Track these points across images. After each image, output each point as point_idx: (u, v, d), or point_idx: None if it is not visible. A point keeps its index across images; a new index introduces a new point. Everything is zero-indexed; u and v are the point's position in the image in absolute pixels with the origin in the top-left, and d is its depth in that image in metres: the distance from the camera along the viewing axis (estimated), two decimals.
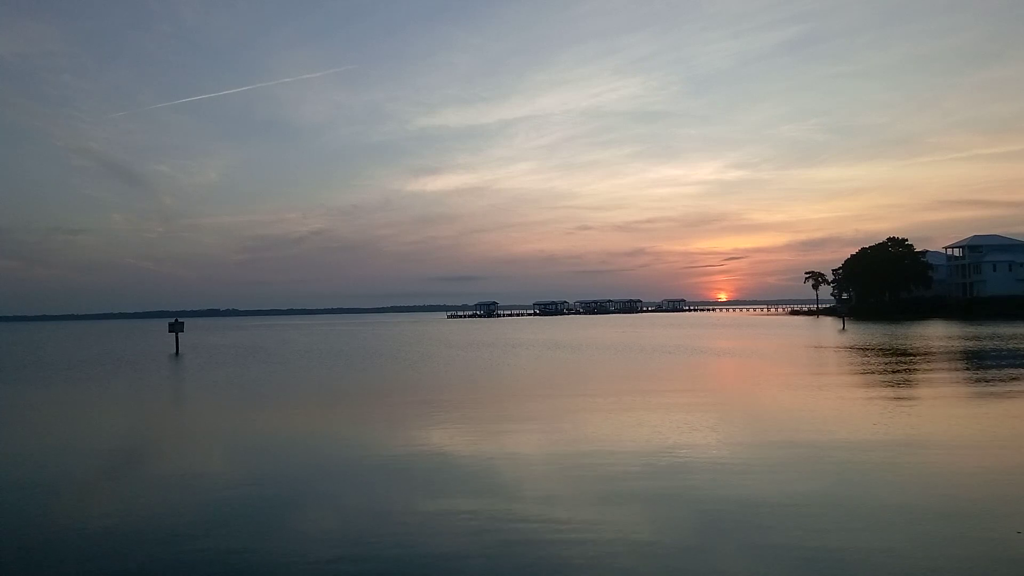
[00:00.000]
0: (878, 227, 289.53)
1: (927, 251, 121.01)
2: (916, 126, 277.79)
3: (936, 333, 56.60)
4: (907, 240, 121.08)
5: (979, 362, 31.60)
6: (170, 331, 53.11)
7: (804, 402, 19.88)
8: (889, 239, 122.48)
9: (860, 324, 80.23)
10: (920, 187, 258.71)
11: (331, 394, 25.21)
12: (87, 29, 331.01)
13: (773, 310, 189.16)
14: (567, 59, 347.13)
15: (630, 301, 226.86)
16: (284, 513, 9.98)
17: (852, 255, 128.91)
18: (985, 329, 59.78)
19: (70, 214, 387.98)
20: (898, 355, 36.06)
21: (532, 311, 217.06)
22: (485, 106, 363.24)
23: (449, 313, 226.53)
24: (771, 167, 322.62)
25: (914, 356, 35.37)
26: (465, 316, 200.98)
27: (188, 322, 68.57)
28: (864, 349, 41.11)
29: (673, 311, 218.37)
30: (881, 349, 40.61)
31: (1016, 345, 40.58)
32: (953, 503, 9.71)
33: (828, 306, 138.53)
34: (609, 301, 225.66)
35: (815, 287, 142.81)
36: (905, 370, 28.77)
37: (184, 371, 37.07)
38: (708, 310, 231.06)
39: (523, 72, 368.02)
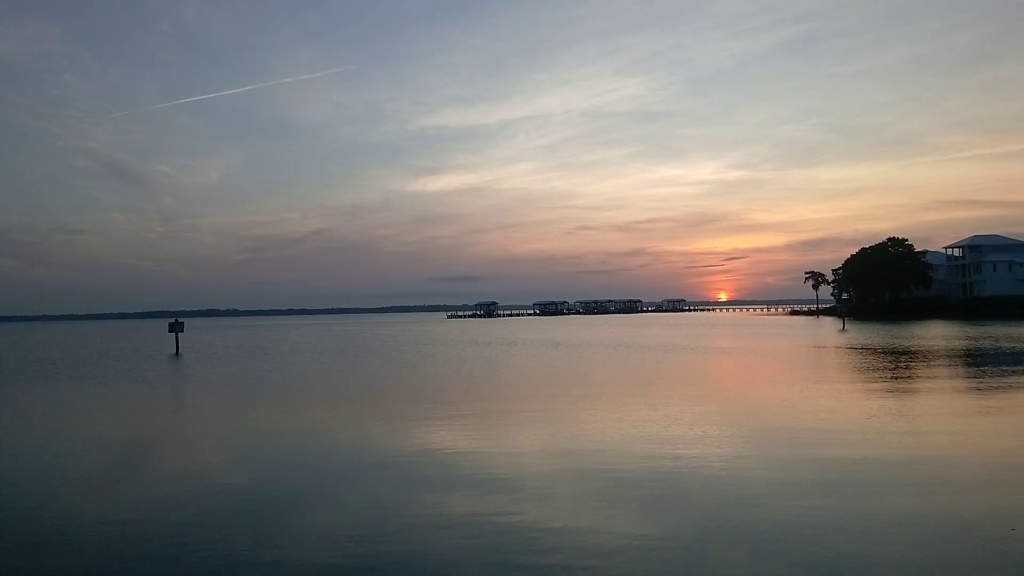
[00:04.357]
0: (878, 227, 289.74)
1: (927, 251, 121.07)
2: (916, 126, 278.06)
3: (935, 333, 56.64)
4: (907, 240, 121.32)
5: (977, 362, 31.64)
6: (170, 331, 53.17)
7: (802, 401, 19.88)
8: (889, 239, 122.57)
9: (860, 324, 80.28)
10: (920, 187, 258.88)
11: (331, 393, 25.22)
12: (87, 29, 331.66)
13: (773, 310, 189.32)
14: (568, 59, 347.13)
15: (630, 301, 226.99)
16: (284, 512, 10.01)
17: (852, 255, 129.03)
18: (984, 329, 59.83)
19: (70, 214, 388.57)
20: (897, 355, 36.09)
21: (532, 311, 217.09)
22: (485, 106, 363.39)
23: (449, 313, 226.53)
24: (771, 167, 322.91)
25: (913, 356, 35.41)
26: (465, 316, 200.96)
27: (188, 322, 68.61)
28: (863, 349, 41.14)
29: (673, 311, 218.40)
30: (880, 349, 40.64)
31: (1014, 345, 40.62)
32: (949, 501, 9.75)
33: (828, 306, 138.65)
34: (609, 301, 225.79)
35: (815, 287, 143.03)
36: (903, 370, 28.81)
37: (184, 371, 37.11)
38: (708, 310, 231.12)
39: (523, 72, 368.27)
